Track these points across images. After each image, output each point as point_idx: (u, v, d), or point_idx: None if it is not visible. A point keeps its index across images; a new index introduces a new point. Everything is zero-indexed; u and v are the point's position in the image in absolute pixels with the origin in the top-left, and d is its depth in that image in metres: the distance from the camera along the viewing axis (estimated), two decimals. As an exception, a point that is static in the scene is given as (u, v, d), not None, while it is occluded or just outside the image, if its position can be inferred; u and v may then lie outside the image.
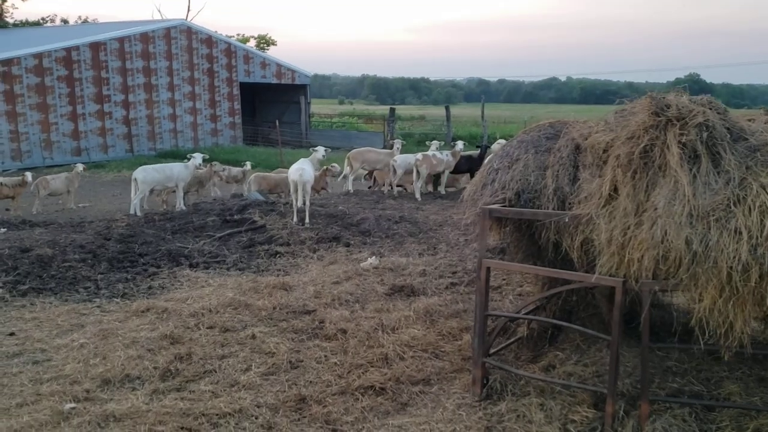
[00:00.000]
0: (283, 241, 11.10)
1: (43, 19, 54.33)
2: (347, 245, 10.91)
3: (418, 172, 15.27)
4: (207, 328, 7.11)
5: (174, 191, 15.22)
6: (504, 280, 8.70)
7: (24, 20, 51.72)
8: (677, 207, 4.16)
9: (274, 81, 38.29)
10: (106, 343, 6.67)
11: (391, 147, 17.58)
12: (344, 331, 6.82)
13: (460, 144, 16.64)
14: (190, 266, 9.95)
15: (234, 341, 6.73)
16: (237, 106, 36.32)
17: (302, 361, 6.20)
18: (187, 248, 10.68)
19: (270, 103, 40.95)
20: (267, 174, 17.00)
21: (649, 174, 4.39)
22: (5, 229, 11.68)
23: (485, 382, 5.24)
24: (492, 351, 5.38)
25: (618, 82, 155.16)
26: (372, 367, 5.99)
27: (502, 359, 5.67)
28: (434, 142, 16.87)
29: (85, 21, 55.81)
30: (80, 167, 16.95)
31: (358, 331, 6.83)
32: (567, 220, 4.82)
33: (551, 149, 5.59)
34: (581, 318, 5.70)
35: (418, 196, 15.33)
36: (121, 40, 29.68)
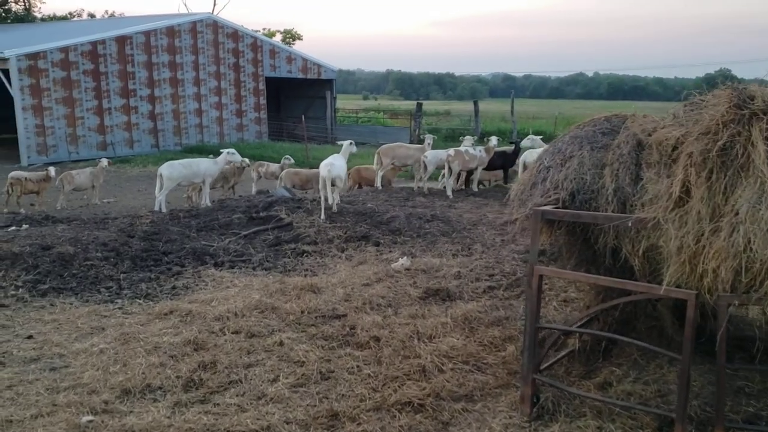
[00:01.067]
0: (311, 239, 10.72)
1: (70, 14, 54.70)
2: (377, 244, 10.49)
3: (450, 168, 14.79)
4: (232, 333, 6.73)
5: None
6: (546, 284, 8.20)
7: (52, 15, 52.07)
8: (764, 212, 3.66)
9: (300, 76, 38.03)
10: (127, 349, 6.33)
11: (422, 142, 17.16)
12: (377, 339, 6.40)
13: (494, 140, 16.11)
14: (215, 265, 9.60)
15: (260, 348, 6.34)
16: (263, 101, 36.14)
17: (333, 372, 5.79)
18: (213, 246, 10.34)
19: (295, 98, 40.70)
20: (299, 170, 16.72)
21: (728, 174, 3.89)
22: (27, 225, 11.45)
23: (535, 400, 4.79)
24: (542, 366, 4.92)
25: (646, 77, 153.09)
26: (409, 380, 5.55)
27: (553, 375, 5.20)
28: (467, 137, 16.30)
29: (112, 15, 56.06)
30: (105, 162, 16.78)
31: (393, 339, 6.40)
32: (630, 224, 4.34)
33: (608, 146, 5.12)
34: (639, 331, 5.20)
35: (449, 193, 14.84)
36: (147, 33, 29.59)
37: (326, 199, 11.80)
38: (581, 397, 4.71)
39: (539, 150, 14.57)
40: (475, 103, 39.30)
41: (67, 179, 15.75)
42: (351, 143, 13.95)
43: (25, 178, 15.12)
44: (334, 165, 11.89)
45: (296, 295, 7.89)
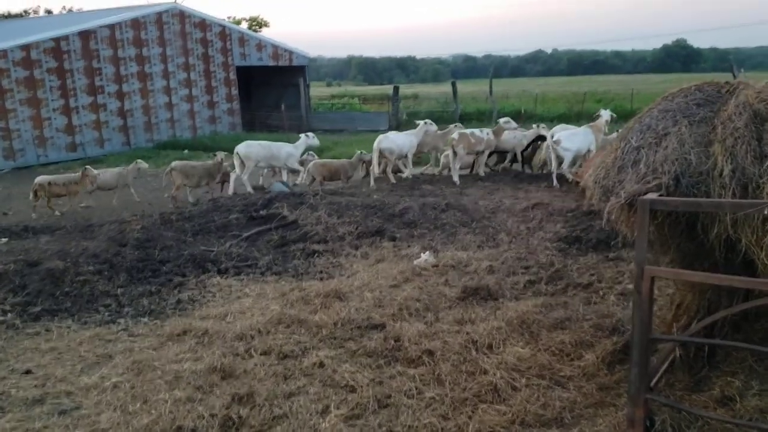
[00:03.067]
0: (320, 237, 9.89)
1: (26, 11, 52.53)
2: (393, 239, 9.69)
3: (454, 152, 14.01)
4: (261, 354, 5.90)
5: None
6: (593, 275, 7.51)
7: (6, 12, 49.95)
8: None
9: (271, 63, 36.79)
10: (144, 381, 5.47)
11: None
12: (431, 353, 5.61)
13: (511, 122, 15.23)
14: (219, 272, 8.74)
15: (298, 371, 5.52)
16: (234, 91, 34.89)
17: (390, 397, 5.00)
18: (213, 251, 9.45)
19: (267, 86, 39.43)
20: (326, 161, 15.99)
21: None
22: (6, 239, 10.43)
23: (648, 424, 4.05)
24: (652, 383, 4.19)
25: (605, 51, 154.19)
26: (481, 402, 4.80)
27: (658, 391, 4.47)
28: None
29: (70, 11, 54.02)
30: (143, 164, 15.84)
31: (447, 351, 5.63)
32: (766, 212, 3.60)
33: (708, 119, 4.38)
34: (755, 331, 4.52)
35: (456, 179, 14.07)
36: (111, 27, 28.16)
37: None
38: (706, 418, 3.99)
39: (565, 131, 13.87)
40: (453, 85, 38.47)
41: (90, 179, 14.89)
42: (428, 122, 15.09)
43: (49, 183, 14.16)
44: (388, 138, 12.77)
45: (321, 304, 7.08)
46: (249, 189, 13.65)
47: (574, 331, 5.82)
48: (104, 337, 6.60)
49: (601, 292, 6.95)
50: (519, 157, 15.53)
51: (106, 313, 7.33)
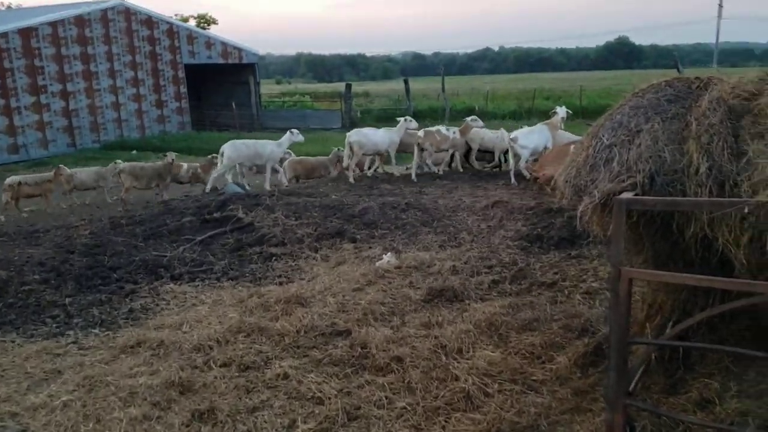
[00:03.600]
0: (278, 240, 9.60)
1: (-41, 8, 50.43)
2: (353, 240, 9.47)
3: (421, 149, 14.01)
4: (221, 366, 5.62)
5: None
6: (556, 273, 7.43)
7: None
8: None
9: (221, 61, 36.20)
10: (96, 398, 5.13)
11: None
12: (399, 360, 5.43)
13: (478, 120, 15.11)
14: (173, 279, 8.38)
15: (261, 384, 5.26)
16: (183, 89, 34.20)
17: (360, 408, 4.79)
18: (166, 256, 9.09)
19: (216, 85, 38.78)
20: (303, 158, 15.81)
21: None
22: (-58, 247, 9.84)
23: (629, 431, 3.94)
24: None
25: (550, 48, 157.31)
26: (454, 410, 4.63)
27: (638, 395, 4.37)
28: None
29: (9, 8, 52.08)
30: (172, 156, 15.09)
31: (416, 357, 5.45)
32: (747, 210, 3.51)
33: (680, 116, 4.29)
34: (731, 332, 4.45)
35: (414, 177, 14.00)
36: (53, 24, 27.22)
37: None
38: (687, 423, 3.90)
39: (522, 129, 13.81)
40: (406, 82, 38.45)
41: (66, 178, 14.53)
42: (407, 119, 15.02)
43: (19, 183, 13.65)
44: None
45: (282, 310, 6.82)
46: (244, 186, 13.99)
47: (544, 332, 5.71)
48: (52, 351, 6.21)
49: (566, 291, 6.87)
50: (502, 158, 15.38)
51: (54, 325, 6.93)
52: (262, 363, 5.64)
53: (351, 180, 14.20)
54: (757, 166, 3.67)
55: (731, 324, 4.43)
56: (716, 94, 4.10)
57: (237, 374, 5.46)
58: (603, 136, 4.42)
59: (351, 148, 14.21)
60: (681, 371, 4.51)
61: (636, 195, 3.93)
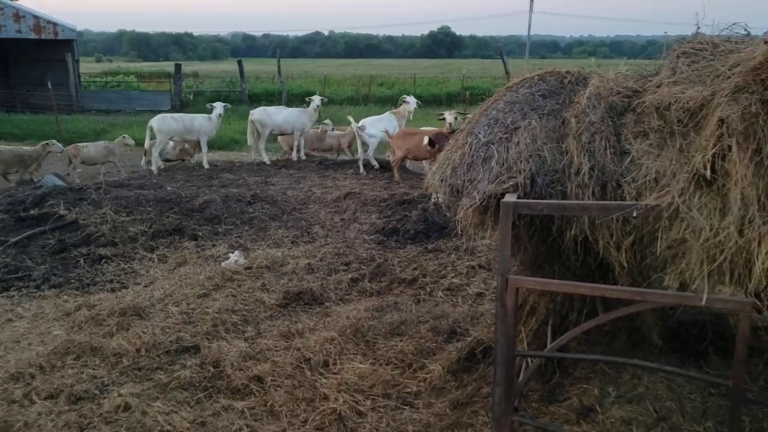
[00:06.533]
0: (107, 239, 8.54)
1: None
2: (194, 238, 8.67)
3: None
4: (46, 398, 4.73)
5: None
6: (416, 269, 7.19)
7: None
8: None
9: (33, 36, 32.57)
10: None
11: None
12: (259, 379, 4.86)
13: (317, 100, 14.71)
14: (-21, 289, 7.15)
15: (98, 419, 4.46)
16: (-11, 67, 30.36)
17: (217, 441, 4.20)
18: (-30, 262, 7.75)
19: (28, 62, 34.92)
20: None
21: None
22: None
23: (515, 447, 3.71)
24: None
25: (378, 35, 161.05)
26: (326, 436, 4.18)
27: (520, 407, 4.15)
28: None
29: None
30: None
31: (278, 375, 4.91)
32: (635, 214, 3.36)
33: (556, 112, 4.10)
34: (604, 334, 4.37)
35: (266, 159, 14.04)
36: None
37: None
38: (574, 435, 3.72)
39: (369, 118, 13.45)
40: (240, 64, 36.93)
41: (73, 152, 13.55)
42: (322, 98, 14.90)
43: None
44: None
45: (117, 324, 5.96)
46: (159, 164, 13.60)
47: (412, 336, 5.40)
48: None
49: (427, 288, 6.65)
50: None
51: None
52: (97, 392, 4.82)
53: (266, 161, 14.18)
54: (640, 167, 3.54)
55: (603, 326, 4.35)
56: (593, 90, 3.93)
57: (67, 408, 4.60)
58: (479, 133, 4.13)
59: (254, 127, 14.24)
60: (557, 376, 4.38)
61: (518, 196, 3.68)
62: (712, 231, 3.12)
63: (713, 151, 3.14)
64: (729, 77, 3.20)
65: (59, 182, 11.23)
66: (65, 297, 6.94)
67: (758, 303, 3.17)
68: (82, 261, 7.98)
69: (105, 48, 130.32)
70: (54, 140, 13.95)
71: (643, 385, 4.03)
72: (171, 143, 14.61)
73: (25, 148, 13.49)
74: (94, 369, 5.16)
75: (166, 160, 14.77)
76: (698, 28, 3.92)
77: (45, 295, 7.02)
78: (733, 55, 3.34)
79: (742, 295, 3.16)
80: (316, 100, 14.62)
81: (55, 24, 33.58)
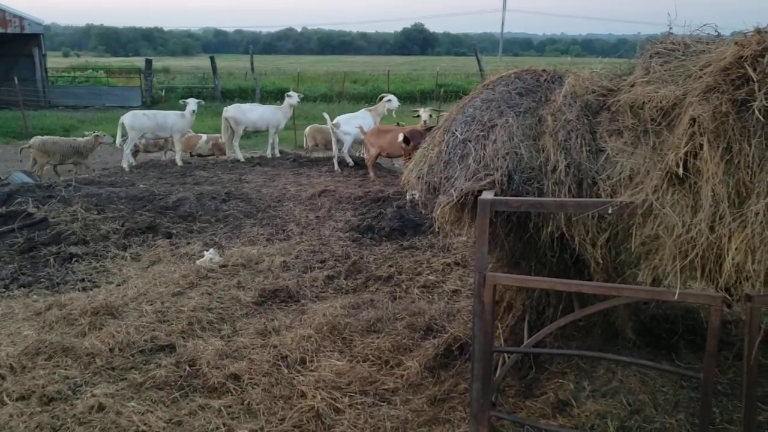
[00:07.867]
0: (78, 238, 8.42)
1: None
2: (168, 236, 8.58)
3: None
4: (17, 399, 4.65)
5: None
6: (391, 266, 7.20)
7: None
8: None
9: (-1, 30, 31.90)
10: None
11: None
12: (236, 377, 4.84)
13: (295, 97, 14.74)
14: (-53, 289, 7.01)
15: (71, 420, 4.39)
16: (-47, 61, 29.68)
17: (194, 440, 4.17)
18: (-64, 262, 7.59)
19: (-7, 57, 34.22)
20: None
21: (754, 143, 3.11)
22: None
23: (493, 442, 3.74)
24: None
25: (351, 32, 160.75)
26: (304, 433, 4.18)
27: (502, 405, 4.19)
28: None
29: None
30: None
31: (255, 372, 4.89)
32: (611, 211, 3.41)
33: (532, 110, 4.15)
34: (579, 328, 4.43)
35: (240, 156, 13.94)
36: None
37: None
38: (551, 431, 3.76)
39: (344, 115, 13.40)
40: (212, 60, 36.61)
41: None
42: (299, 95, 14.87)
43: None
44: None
45: (90, 324, 5.88)
46: (130, 161, 13.50)
47: (389, 333, 5.42)
48: None
49: (403, 285, 6.67)
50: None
51: None
52: (70, 392, 4.75)
53: (240, 158, 14.08)
54: (615, 164, 3.59)
55: (579, 321, 4.41)
56: (569, 88, 3.98)
57: (39, 409, 4.53)
58: (456, 130, 4.16)
59: (228, 124, 14.15)
60: (533, 371, 4.43)
61: (495, 194, 3.71)
62: (684, 227, 3.18)
63: (685, 149, 3.19)
64: (700, 77, 3.27)
65: (27, 179, 11.03)
66: (35, 296, 6.82)
67: (728, 298, 3.25)
68: (51, 260, 7.85)
69: (73, 42, 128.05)
70: (102, 131, 14.39)
71: (617, 379, 4.10)
72: (203, 137, 14.73)
73: (79, 140, 13.64)
74: (66, 369, 5.08)
75: (199, 155, 14.86)
76: (670, 28, 3.97)
77: (14, 294, 6.89)
78: (704, 56, 3.41)
79: (713, 290, 3.21)
80: (294, 97, 14.54)
81: (21, 18, 32.92)
